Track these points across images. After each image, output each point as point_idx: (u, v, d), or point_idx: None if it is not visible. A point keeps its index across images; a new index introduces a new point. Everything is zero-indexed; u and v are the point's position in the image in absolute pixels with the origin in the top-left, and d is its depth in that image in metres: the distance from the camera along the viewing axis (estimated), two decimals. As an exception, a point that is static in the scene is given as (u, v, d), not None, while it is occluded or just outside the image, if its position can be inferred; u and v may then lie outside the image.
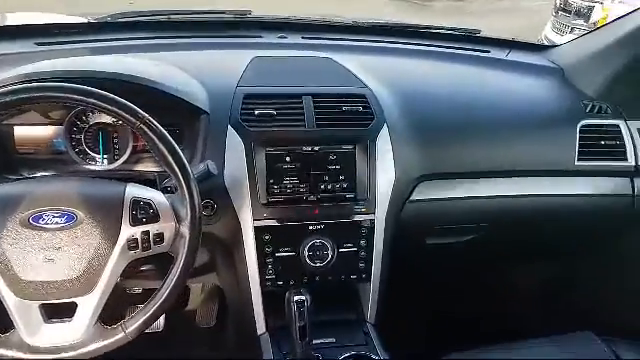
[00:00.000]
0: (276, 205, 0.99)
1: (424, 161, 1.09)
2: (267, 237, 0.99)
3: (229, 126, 0.99)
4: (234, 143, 0.98)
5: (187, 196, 0.78)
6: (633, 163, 1.18)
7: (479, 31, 1.52)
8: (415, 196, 1.10)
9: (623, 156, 1.19)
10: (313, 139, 1.01)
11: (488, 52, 1.42)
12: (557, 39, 4.05)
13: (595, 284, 1.40)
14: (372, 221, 1.03)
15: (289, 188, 1.00)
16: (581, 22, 3.90)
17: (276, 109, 1.02)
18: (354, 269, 1.03)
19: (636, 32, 1.13)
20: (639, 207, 1.19)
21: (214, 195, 0.97)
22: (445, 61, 1.33)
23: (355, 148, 1.03)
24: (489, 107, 1.18)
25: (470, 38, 1.49)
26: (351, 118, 1.04)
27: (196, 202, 0.78)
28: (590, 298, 1.41)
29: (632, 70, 1.19)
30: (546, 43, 3.66)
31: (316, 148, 1.01)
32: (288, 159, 1.00)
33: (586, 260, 1.40)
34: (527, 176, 1.15)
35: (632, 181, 1.20)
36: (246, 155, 0.98)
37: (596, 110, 1.21)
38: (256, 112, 1.01)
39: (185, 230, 0.79)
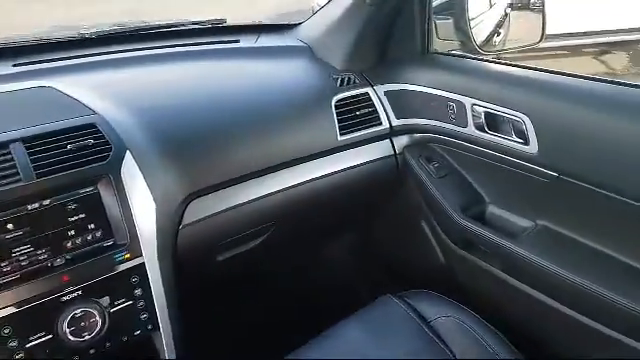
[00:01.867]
0: (10, 287, 0.80)
1: (186, 179, 0.99)
2: (7, 330, 0.79)
3: None
4: None
5: None
6: (387, 125, 1.25)
7: (224, 20, 1.44)
8: (188, 219, 0.99)
9: (378, 121, 1.25)
10: (37, 193, 0.83)
11: (237, 42, 1.36)
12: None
13: (389, 245, 1.49)
14: (142, 264, 0.90)
15: (23, 261, 0.81)
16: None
17: None
18: (136, 324, 0.90)
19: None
20: (402, 163, 1.28)
21: None
22: (190, 61, 1.22)
23: (97, 188, 0.88)
24: (243, 103, 1.11)
25: (217, 29, 1.42)
26: (82, 155, 0.88)
27: None
28: (390, 259, 1.50)
29: (364, 37, 1.24)
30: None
31: (45, 202, 0.83)
32: (11, 226, 0.81)
33: (375, 225, 1.48)
34: (297, 164, 1.13)
35: (391, 141, 1.27)
36: None
37: (345, 82, 1.24)
38: None
39: None
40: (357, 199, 1.29)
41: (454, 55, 1.30)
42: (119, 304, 0.88)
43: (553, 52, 4.65)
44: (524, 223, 1.12)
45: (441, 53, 1.29)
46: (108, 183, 0.88)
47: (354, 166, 1.20)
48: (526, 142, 1.03)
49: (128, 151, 0.92)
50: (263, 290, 1.41)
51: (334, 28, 1.28)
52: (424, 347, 0.98)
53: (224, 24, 1.43)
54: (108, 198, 0.88)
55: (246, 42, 1.36)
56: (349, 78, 1.26)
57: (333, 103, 1.19)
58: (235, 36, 1.39)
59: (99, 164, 0.88)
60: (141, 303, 0.90)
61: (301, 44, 1.36)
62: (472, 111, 1.13)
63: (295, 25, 1.47)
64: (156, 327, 0.92)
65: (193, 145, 1.01)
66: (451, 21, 1.35)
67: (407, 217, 1.34)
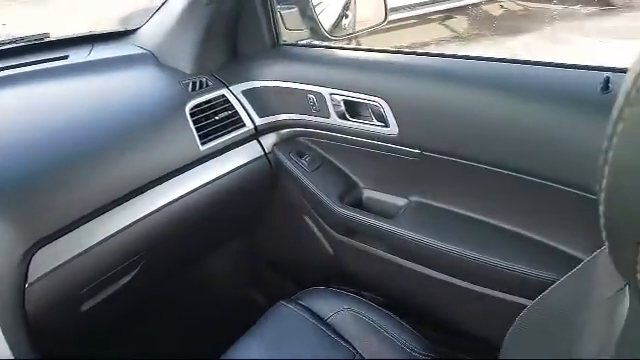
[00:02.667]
0: None
1: (24, 229, 0.84)
2: None
3: None
4: None
5: None
6: (252, 126, 1.19)
7: (47, 34, 1.26)
8: (35, 274, 0.85)
9: (241, 123, 1.18)
10: None
11: (66, 57, 1.19)
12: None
13: (278, 247, 1.44)
14: None
15: None
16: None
17: None
18: None
19: None
20: (274, 162, 1.23)
21: None
22: (7, 88, 1.04)
23: None
24: (79, 130, 0.97)
25: (40, 45, 1.23)
26: None
27: None
28: (281, 261, 1.46)
29: (210, 36, 1.16)
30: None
31: None
32: None
33: (259, 230, 1.43)
34: (158, 185, 1.02)
35: (259, 142, 1.21)
36: None
37: (197, 86, 1.16)
38: None
39: None
40: (234, 207, 1.22)
41: (304, 45, 1.27)
42: None
43: (404, 22, 4.94)
44: (399, 202, 1.14)
45: (291, 44, 1.25)
46: None
47: (224, 174, 1.13)
48: (386, 124, 1.04)
49: None
50: (148, 328, 1.29)
51: (176, 29, 1.18)
52: (324, 348, 0.96)
53: (47, 39, 1.25)
54: None
55: (77, 57, 1.19)
56: (201, 82, 1.17)
57: (187, 111, 1.10)
58: (63, 51, 1.21)
59: None
60: None
61: (142, 51, 1.24)
62: (331, 100, 1.11)
63: (133, 31, 1.33)
64: None
65: (24, 190, 0.86)
66: (297, 10, 1.32)
67: (290, 215, 1.31)
